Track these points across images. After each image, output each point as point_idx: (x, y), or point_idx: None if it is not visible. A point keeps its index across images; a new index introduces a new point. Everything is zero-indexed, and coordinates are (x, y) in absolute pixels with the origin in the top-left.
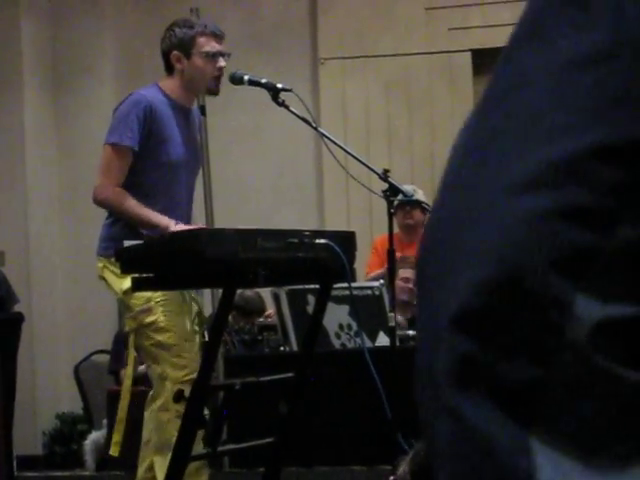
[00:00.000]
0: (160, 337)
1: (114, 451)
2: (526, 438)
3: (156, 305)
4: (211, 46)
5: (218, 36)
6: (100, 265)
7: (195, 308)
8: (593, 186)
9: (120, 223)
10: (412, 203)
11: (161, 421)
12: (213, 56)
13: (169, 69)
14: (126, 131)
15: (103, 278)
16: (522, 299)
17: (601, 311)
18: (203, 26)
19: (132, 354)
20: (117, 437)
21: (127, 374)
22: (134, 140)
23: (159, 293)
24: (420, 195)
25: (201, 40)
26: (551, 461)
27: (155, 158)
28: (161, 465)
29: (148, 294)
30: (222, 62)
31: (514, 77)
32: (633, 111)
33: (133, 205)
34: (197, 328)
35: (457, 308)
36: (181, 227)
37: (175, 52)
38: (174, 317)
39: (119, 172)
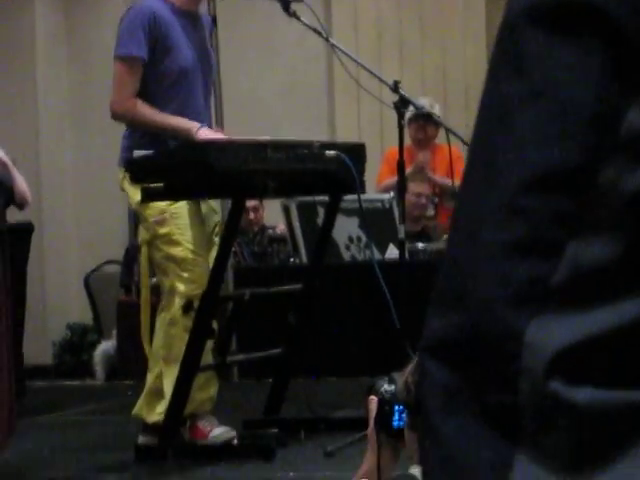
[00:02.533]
0: (171, 250)
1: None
2: (511, 456)
3: (170, 217)
4: None
5: None
6: (120, 176)
7: (215, 218)
8: (536, 218)
9: (139, 132)
10: (426, 117)
11: (169, 335)
12: None
13: None
14: (133, 42)
15: (123, 189)
16: (483, 332)
17: (556, 338)
18: None
19: (146, 265)
20: (148, 347)
21: (143, 284)
22: (142, 50)
23: (174, 205)
24: (436, 109)
25: None
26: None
27: (165, 65)
28: (168, 377)
29: (163, 205)
30: None
31: (478, 117)
32: (567, 141)
33: (152, 113)
34: (216, 239)
35: (431, 339)
36: (205, 131)
37: None
38: (187, 230)
39: (132, 84)
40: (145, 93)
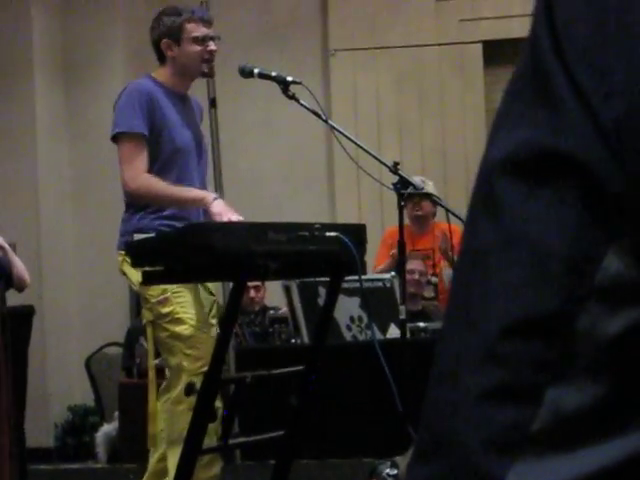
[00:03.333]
0: (176, 328)
1: (151, 444)
2: None
3: (172, 296)
4: (200, 31)
5: (206, 21)
6: (119, 259)
7: (211, 299)
8: (515, 364)
9: (137, 216)
10: (421, 195)
11: (174, 413)
12: (203, 40)
13: (161, 58)
14: (133, 119)
15: (123, 272)
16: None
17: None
18: (190, 12)
19: (152, 346)
20: (152, 429)
21: (150, 366)
22: (142, 126)
23: (174, 285)
24: (430, 187)
25: (189, 26)
26: None
27: (162, 145)
28: (173, 457)
29: (164, 285)
30: (213, 45)
31: (459, 259)
32: (543, 289)
33: (166, 187)
34: (213, 321)
35: None
36: (220, 203)
37: (165, 40)
38: (189, 308)
39: (141, 159)
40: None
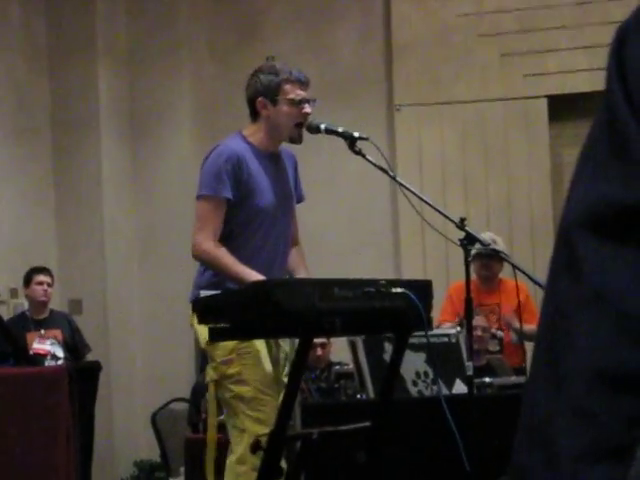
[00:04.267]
0: (239, 389)
1: None
2: None
3: (238, 357)
4: (296, 93)
5: (303, 83)
6: (190, 312)
7: (282, 355)
8: (606, 422)
9: (212, 272)
10: (490, 254)
11: (237, 473)
12: (299, 103)
13: (254, 115)
14: (219, 183)
15: (192, 325)
16: None
17: None
18: (288, 73)
19: (213, 404)
20: None
21: (210, 424)
22: (227, 191)
23: (243, 344)
24: (499, 244)
25: (287, 87)
26: None
27: (246, 208)
28: None
29: (231, 345)
30: (308, 108)
31: (541, 317)
32: (629, 345)
33: (230, 263)
34: (285, 379)
35: None
36: None
37: (261, 99)
38: (255, 369)
39: (216, 224)
40: (226, 229)
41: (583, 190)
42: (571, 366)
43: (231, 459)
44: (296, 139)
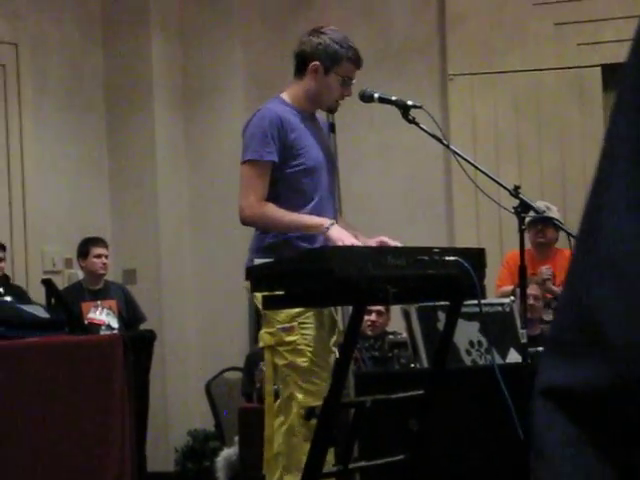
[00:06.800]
0: (294, 358)
1: (266, 469)
2: None
3: (298, 326)
4: (350, 74)
5: (360, 65)
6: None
7: (333, 325)
8: None
9: (261, 235)
10: (545, 221)
11: (289, 445)
12: (348, 82)
13: (300, 72)
14: (263, 146)
15: (248, 291)
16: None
17: None
18: (353, 51)
19: (270, 370)
20: (267, 454)
21: (267, 391)
22: (272, 154)
23: (304, 315)
24: (554, 212)
25: (346, 64)
26: None
27: (293, 167)
28: None
29: (293, 312)
30: (351, 90)
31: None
32: None
33: (282, 215)
34: (333, 348)
35: (553, 387)
36: (336, 229)
37: (317, 63)
38: (312, 342)
39: (262, 188)
40: (273, 193)
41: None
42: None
43: (281, 422)
44: (333, 110)
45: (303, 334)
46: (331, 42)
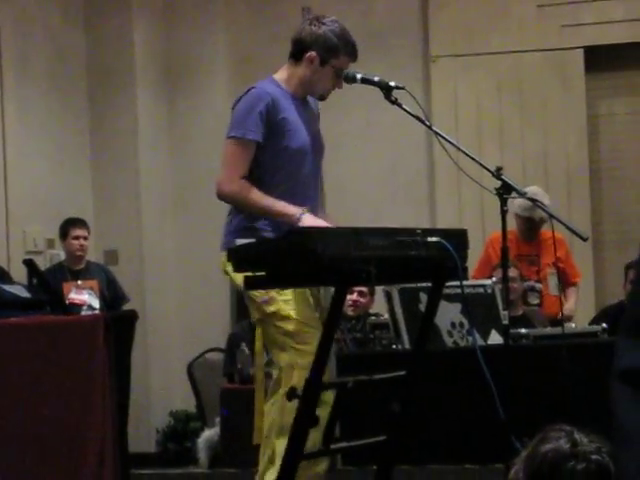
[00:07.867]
0: (285, 325)
1: (257, 439)
2: None
3: (276, 294)
4: (346, 67)
5: (355, 59)
6: (223, 259)
7: (315, 300)
8: None
9: (242, 216)
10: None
11: (284, 407)
12: (340, 73)
13: (296, 58)
14: (250, 125)
15: (226, 272)
16: None
17: None
18: (351, 46)
19: (260, 343)
20: (258, 423)
21: (258, 364)
22: (258, 134)
23: None
24: (547, 201)
25: (343, 58)
26: None
27: (280, 148)
28: (281, 447)
29: None
30: (342, 82)
31: None
32: None
33: (258, 197)
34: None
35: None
36: (308, 218)
37: (314, 53)
38: (294, 305)
39: (243, 166)
40: (255, 173)
41: None
42: None
43: (277, 397)
44: (324, 98)
45: (284, 300)
46: (331, 35)
